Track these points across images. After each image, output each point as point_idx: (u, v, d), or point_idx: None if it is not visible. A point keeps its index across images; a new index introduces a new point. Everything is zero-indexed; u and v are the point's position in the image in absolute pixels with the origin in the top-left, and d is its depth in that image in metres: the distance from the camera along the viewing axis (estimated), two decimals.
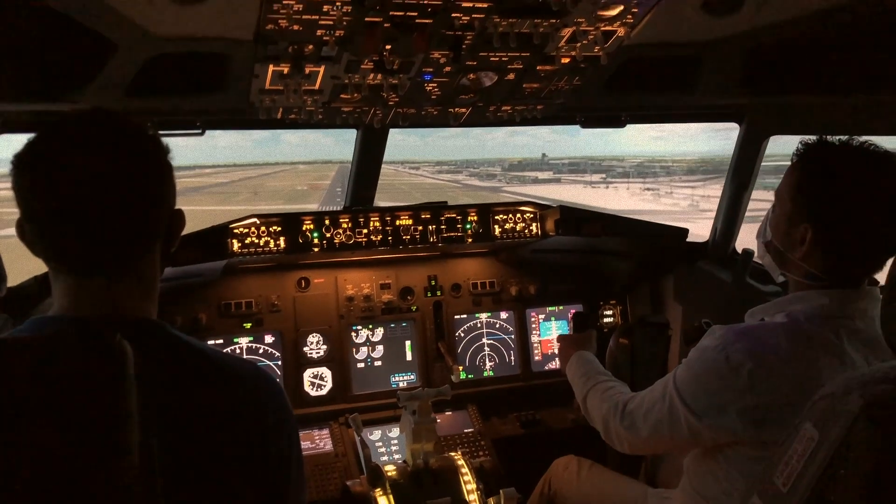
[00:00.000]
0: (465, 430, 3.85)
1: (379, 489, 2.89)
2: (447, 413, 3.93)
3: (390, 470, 2.96)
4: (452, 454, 3.11)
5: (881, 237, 2.09)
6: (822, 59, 2.77)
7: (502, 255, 4.16)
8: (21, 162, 1.48)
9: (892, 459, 1.54)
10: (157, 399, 1.43)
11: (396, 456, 3.67)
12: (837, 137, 2.18)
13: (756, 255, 2.53)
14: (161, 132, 2.78)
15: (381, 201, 4.12)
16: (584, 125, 3.47)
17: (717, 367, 2.12)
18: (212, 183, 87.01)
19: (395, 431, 3.75)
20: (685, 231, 3.93)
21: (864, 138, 2.15)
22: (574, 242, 3.99)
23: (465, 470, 3.01)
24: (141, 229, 1.56)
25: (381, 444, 3.70)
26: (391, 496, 2.85)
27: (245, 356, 3.71)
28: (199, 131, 2.95)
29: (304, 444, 3.60)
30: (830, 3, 2.23)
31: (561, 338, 3.22)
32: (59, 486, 1.16)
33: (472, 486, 2.95)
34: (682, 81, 2.94)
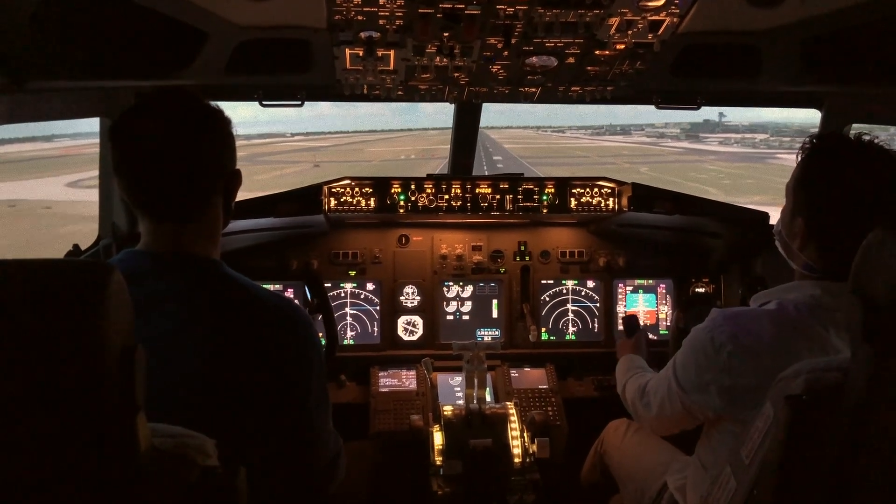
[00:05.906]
0: (540, 387, 4.09)
1: (436, 425, 3.29)
2: (525, 369, 4.17)
3: (448, 410, 3.34)
4: (507, 403, 3.43)
5: (867, 232, 2.13)
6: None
7: (592, 227, 4.31)
8: (112, 130, 1.94)
9: (802, 435, 1.70)
10: (209, 318, 1.89)
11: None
12: (856, 132, 2.22)
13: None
14: (266, 103, 3.30)
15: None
16: (659, 106, 3.55)
17: (703, 347, 2.27)
18: (294, 148, 75.44)
19: None
20: (766, 215, 3.89)
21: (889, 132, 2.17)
22: (667, 220, 4.07)
23: (513, 418, 3.32)
24: (200, 184, 1.95)
25: (458, 388, 4.07)
26: (444, 433, 3.24)
27: (349, 300, 4.22)
28: (300, 102, 3.35)
29: (392, 382, 4.07)
30: None
31: (619, 343, 3.52)
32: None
33: (517, 433, 3.26)
34: (744, 68, 2.97)
